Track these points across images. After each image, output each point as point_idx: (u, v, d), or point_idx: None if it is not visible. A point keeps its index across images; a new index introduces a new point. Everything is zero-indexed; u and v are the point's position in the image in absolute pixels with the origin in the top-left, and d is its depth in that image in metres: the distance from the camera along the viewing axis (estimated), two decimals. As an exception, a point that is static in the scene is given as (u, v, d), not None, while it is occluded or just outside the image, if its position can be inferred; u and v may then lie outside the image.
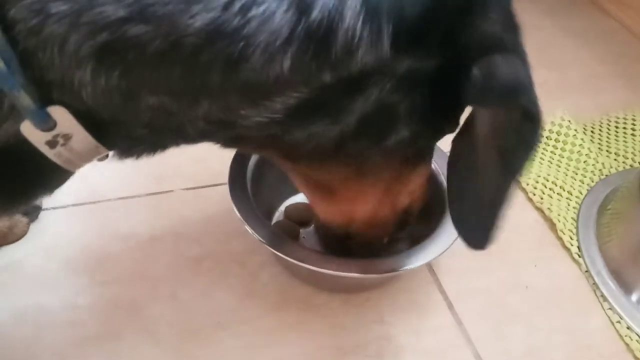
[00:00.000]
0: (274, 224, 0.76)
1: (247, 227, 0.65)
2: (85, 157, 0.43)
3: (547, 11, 1.32)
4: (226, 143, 0.47)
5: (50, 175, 0.44)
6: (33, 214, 0.73)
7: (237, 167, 0.71)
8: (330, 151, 0.46)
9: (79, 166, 0.44)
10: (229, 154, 0.73)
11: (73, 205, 0.77)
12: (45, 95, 0.36)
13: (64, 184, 0.47)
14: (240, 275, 0.72)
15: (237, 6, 0.33)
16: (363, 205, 0.57)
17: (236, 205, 0.67)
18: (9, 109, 0.36)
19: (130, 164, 0.81)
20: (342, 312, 0.70)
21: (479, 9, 0.41)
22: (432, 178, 0.75)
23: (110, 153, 0.46)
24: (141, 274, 0.70)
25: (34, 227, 0.73)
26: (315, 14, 0.34)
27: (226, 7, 0.33)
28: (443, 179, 0.75)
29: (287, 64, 0.35)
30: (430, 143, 0.55)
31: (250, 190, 0.70)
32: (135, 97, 0.37)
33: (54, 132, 0.38)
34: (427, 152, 0.56)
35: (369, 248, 0.62)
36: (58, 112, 0.37)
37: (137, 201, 0.78)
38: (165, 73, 0.35)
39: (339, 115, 0.42)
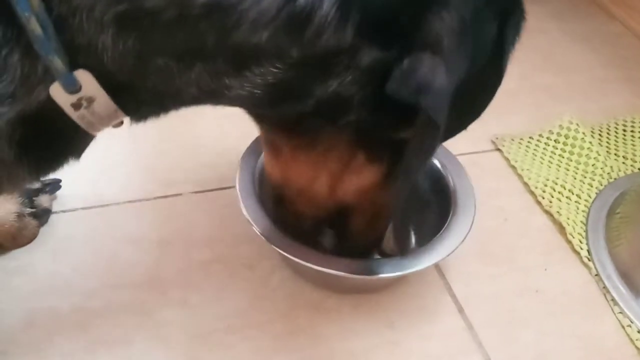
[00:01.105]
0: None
1: (255, 228, 0.65)
2: (105, 121, 0.47)
3: (552, 15, 1.32)
4: (213, 104, 0.50)
5: (75, 140, 0.49)
6: (43, 217, 0.73)
7: (246, 170, 0.72)
8: (288, 124, 0.52)
9: (98, 130, 0.48)
10: (236, 158, 0.73)
11: (83, 208, 0.77)
12: (73, 59, 0.41)
13: (85, 149, 0.51)
14: (250, 279, 0.72)
15: None
16: (301, 174, 0.59)
17: (245, 207, 0.67)
18: (43, 71, 0.40)
19: (139, 166, 0.82)
20: (352, 316, 0.70)
21: (436, 7, 0.42)
22: (439, 179, 0.76)
23: (125, 120, 0.50)
24: (151, 278, 0.70)
25: (44, 230, 0.73)
26: (301, 1, 0.39)
27: None
28: (451, 181, 0.75)
29: (265, 35, 0.40)
30: (380, 141, 0.55)
31: (258, 192, 0.70)
32: (145, 59, 0.42)
33: (79, 95, 0.42)
34: (380, 152, 0.56)
35: (297, 221, 0.65)
36: (84, 76, 0.42)
37: (146, 205, 0.78)
38: (172, 38, 0.40)
39: (300, 98, 0.46)
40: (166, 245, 0.74)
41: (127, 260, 0.72)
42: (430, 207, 0.76)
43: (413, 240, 0.76)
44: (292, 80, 0.44)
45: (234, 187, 0.80)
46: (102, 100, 0.44)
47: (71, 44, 0.40)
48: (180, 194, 0.80)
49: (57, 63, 0.40)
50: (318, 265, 0.63)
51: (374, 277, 0.65)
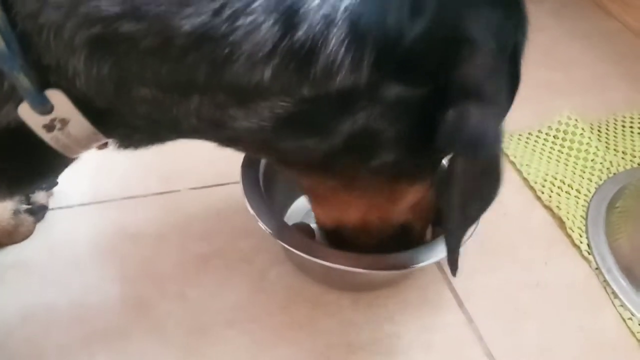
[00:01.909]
0: (292, 225, 0.75)
1: (260, 223, 0.64)
2: (83, 144, 0.43)
3: (551, 13, 1.32)
4: (221, 142, 0.48)
5: (51, 161, 0.45)
6: (39, 213, 0.73)
7: (250, 165, 0.71)
8: (318, 164, 0.48)
9: (77, 152, 0.45)
10: (236, 154, 0.73)
11: (79, 205, 0.76)
12: (43, 78, 0.37)
13: (64, 169, 0.48)
14: (248, 273, 0.71)
15: (226, 13, 0.35)
16: (350, 214, 0.58)
17: (249, 202, 0.66)
18: (9, 89, 0.38)
19: (136, 163, 0.81)
20: (351, 310, 0.69)
21: (467, 50, 0.41)
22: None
23: (110, 142, 0.46)
24: (149, 273, 0.70)
25: (40, 226, 0.73)
26: (300, 34, 0.36)
27: (216, 13, 0.35)
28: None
29: (267, 74, 0.37)
30: (420, 167, 0.54)
31: (262, 187, 0.69)
32: (127, 88, 0.38)
33: (51, 116, 0.39)
34: (421, 173, 0.56)
35: (366, 249, 0.62)
36: (56, 96, 0.38)
37: (144, 201, 0.78)
38: (154, 68, 0.37)
39: (326, 134, 0.43)
40: (164, 240, 0.73)
41: (125, 255, 0.71)
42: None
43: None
44: (307, 115, 0.41)
45: (231, 183, 0.80)
46: (78, 122, 0.40)
47: (38, 64, 0.37)
48: (179, 190, 0.80)
49: (24, 81, 0.37)
50: (324, 260, 0.62)
51: (379, 273, 0.65)
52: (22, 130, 0.40)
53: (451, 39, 0.40)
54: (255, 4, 0.35)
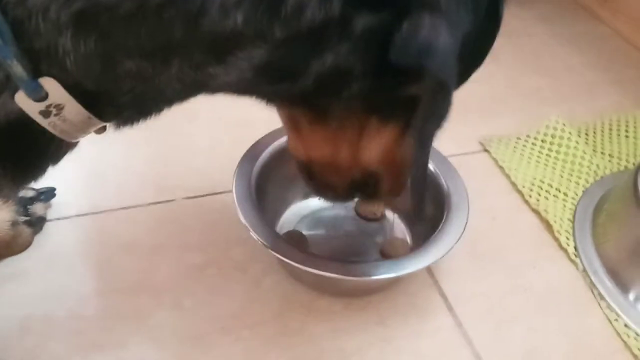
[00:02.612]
0: (284, 234, 0.77)
1: (252, 234, 0.66)
2: (81, 127, 0.45)
3: (540, 18, 1.34)
4: (204, 94, 0.49)
5: (50, 147, 0.47)
6: (37, 225, 0.75)
7: (242, 175, 0.73)
8: (294, 100, 0.50)
9: (75, 137, 0.46)
10: (229, 163, 0.75)
11: (76, 215, 0.78)
12: (35, 66, 0.39)
13: (64, 156, 0.49)
14: (242, 282, 0.73)
15: None
16: (324, 148, 0.58)
17: (242, 213, 0.68)
18: (4, 79, 0.39)
19: (131, 173, 0.83)
20: (343, 316, 0.71)
21: None
22: (433, 182, 0.77)
23: (108, 125, 0.48)
24: (145, 283, 0.71)
25: (38, 238, 0.74)
26: None
27: None
28: (443, 182, 0.76)
29: (240, 18, 0.38)
30: (390, 102, 0.53)
31: (254, 196, 0.71)
32: (113, 62, 0.40)
33: (46, 102, 0.41)
34: (392, 111, 0.54)
35: (330, 190, 0.64)
36: (49, 83, 0.40)
37: (139, 211, 0.80)
38: (135, 33, 0.38)
39: (298, 76, 0.44)
40: (159, 251, 0.75)
41: (121, 265, 0.73)
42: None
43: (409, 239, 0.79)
44: (283, 59, 0.42)
45: (225, 192, 0.82)
46: (72, 106, 0.42)
47: (31, 49, 0.38)
48: (173, 200, 0.82)
49: (18, 69, 0.38)
50: (315, 269, 0.64)
51: (370, 279, 0.67)
52: (22, 121, 0.42)
53: None
54: None
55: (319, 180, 0.63)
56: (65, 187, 0.79)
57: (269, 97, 0.51)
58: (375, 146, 0.58)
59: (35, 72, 0.39)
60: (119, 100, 0.44)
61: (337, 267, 0.65)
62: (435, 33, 0.40)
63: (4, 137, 0.43)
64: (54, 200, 0.78)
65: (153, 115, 0.49)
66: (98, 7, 0.37)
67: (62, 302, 0.69)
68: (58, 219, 0.77)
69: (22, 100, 0.40)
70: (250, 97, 0.51)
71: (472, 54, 0.50)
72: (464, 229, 0.70)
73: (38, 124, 0.42)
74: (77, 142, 0.49)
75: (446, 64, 0.41)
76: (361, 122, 0.54)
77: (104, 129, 0.49)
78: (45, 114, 0.42)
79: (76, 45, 0.38)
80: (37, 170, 0.49)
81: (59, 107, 0.42)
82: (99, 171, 0.83)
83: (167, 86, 0.43)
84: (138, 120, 0.49)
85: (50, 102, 0.41)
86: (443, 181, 0.77)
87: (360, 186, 0.64)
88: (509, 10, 1.38)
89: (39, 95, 0.40)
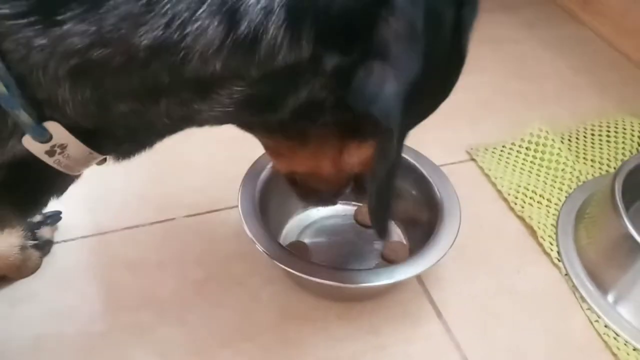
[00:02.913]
0: (288, 245, 0.82)
1: (258, 246, 0.71)
2: (82, 162, 0.50)
3: (523, 24, 1.38)
4: (191, 127, 0.53)
5: (56, 181, 0.52)
6: (45, 248, 0.79)
7: (247, 192, 0.77)
8: (274, 129, 0.55)
9: (78, 170, 0.51)
10: (226, 180, 0.79)
11: (82, 237, 0.82)
12: (40, 112, 0.43)
13: (69, 187, 0.54)
14: (241, 295, 0.77)
15: (175, 24, 0.40)
16: (303, 164, 0.63)
17: (247, 227, 0.73)
18: (12, 126, 0.44)
19: (133, 194, 0.87)
20: (338, 325, 0.75)
21: (385, 12, 0.44)
22: (428, 192, 0.81)
23: (108, 157, 0.53)
24: (149, 299, 0.75)
25: (47, 260, 0.78)
26: (242, 28, 0.41)
27: (167, 26, 0.40)
28: (436, 191, 0.81)
29: (219, 65, 0.43)
30: (363, 126, 0.56)
31: (259, 212, 0.76)
32: (107, 106, 0.44)
33: (51, 143, 0.45)
34: (370, 132, 0.57)
35: (315, 195, 0.69)
36: (52, 126, 0.44)
37: (142, 230, 0.84)
38: (126, 82, 0.43)
39: (275, 109, 0.49)
40: (162, 268, 0.79)
41: (126, 283, 0.77)
42: (420, 220, 0.83)
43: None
44: (262, 94, 0.46)
45: (224, 209, 0.86)
46: (74, 145, 0.47)
47: (34, 99, 0.42)
48: (174, 219, 0.86)
49: (24, 117, 0.42)
50: (319, 278, 0.69)
51: (371, 285, 0.72)
52: (28, 159, 0.46)
53: (373, 3, 0.44)
54: (200, 11, 0.41)
55: (303, 187, 0.68)
56: (70, 210, 0.83)
57: (249, 125, 0.56)
58: (357, 158, 0.61)
59: (40, 118, 0.44)
60: (115, 135, 0.49)
61: (339, 275, 0.70)
62: (382, 81, 0.44)
63: (14, 173, 0.48)
64: (60, 223, 0.82)
65: (147, 148, 0.54)
66: (90, 63, 0.41)
67: (72, 321, 0.73)
68: (65, 240, 0.81)
69: (29, 143, 0.45)
70: (232, 124, 0.55)
71: (439, 86, 0.54)
72: (457, 234, 0.75)
73: (44, 162, 0.47)
74: (80, 175, 0.54)
75: (390, 112, 0.45)
76: (340, 142, 0.58)
77: (104, 160, 0.54)
78: (51, 153, 0.46)
79: (73, 95, 0.43)
80: (43, 201, 0.54)
81: (63, 147, 0.46)
82: (101, 193, 0.87)
83: (158, 121, 0.48)
84: (134, 153, 0.54)
85: (54, 142, 0.45)
86: (435, 188, 0.81)
87: (345, 187, 0.69)
88: (493, 17, 1.43)
89: (44, 137, 0.44)
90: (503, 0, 1.43)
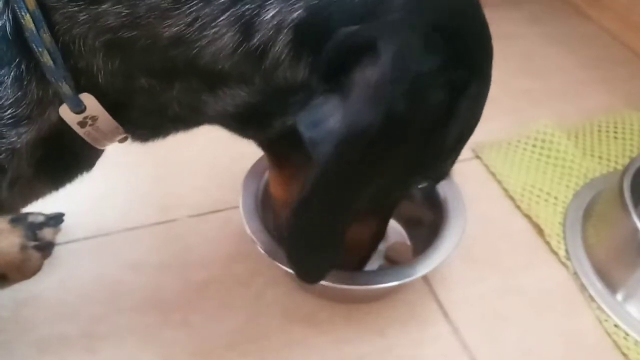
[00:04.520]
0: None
1: (259, 246, 0.70)
2: (109, 136, 0.53)
3: (528, 19, 1.37)
4: (198, 124, 0.57)
5: (86, 155, 0.56)
6: (47, 249, 0.78)
7: (248, 191, 0.76)
8: (263, 144, 0.59)
9: (104, 144, 0.55)
10: (229, 180, 0.78)
11: (84, 239, 0.81)
12: (77, 83, 0.47)
13: (96, 162, 0.58)
14: (246, 297, 0.76)
15: (196, 26, 0.45)
16: (292, 188, 0.62)
17: (249, 227, 0.72)
18: (52, 95, 0.47)
19: (135, 194, 0.86)
20: (344, 326, 0.74)
21: (367, 58, 0.44)
22: (431, 190, 0.80)
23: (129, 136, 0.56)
24: (153, 301, 0.74)
25: (48, 262, 0.77)
26: (255, 40, 0.46)
27: (189, 25, 0.45)
28: (440, 189, 0.80)
29: (227, 65, 0.47)
30: None
31: (261, 209, 0.75)
32: (131, 78, 0.49)
33: (84, 114, 0.49)
34: None
35: None
36: (87, 98, 0.48)
37: (144, 231, 0.83)
38: (148, 59, 0.48)
39: (264, 126, 0.54)
40: (165, 269, 0.78)
41: (129, 285, 0.76)
42: (423, 220, 0.82)
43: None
44: (255, 106, 0.50)
45: (226, 209, 0.85)
46: (104, 118, 0.50)
47: (75, 68, 0.47)
48: (176, 219, 0.85)
49: (65, 88, 0.46)
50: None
51: (377, 287, 0.70)
52: (61, 129, 0.50)
53: (366, 47, 0.44)
54: (220, 20, 0.45)
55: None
56: (73, 211, 0.83)
57: (247, 135, 0.58)
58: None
59: (77, 89, 0.47)
60: (132, 115, 0.53)
61: (344, 277, 0.69)
62: (328, 114, 0.45)
63: (48, 144, 0.51)
64: (62, 225, 0.82)
65: (161, 135, 0.57)
66: (121, 40, 0.46)
67: (75, 323, 0.72)
68: (67, 242, 0.80)
69: (65, 113, 0.48)
70: (229, 129, 0.58)
71: (401, 157, 0.51)
72: (463, 233, 0.74)
73: (74, 133, 0.50)
74: (104, 150, 0.57)
75: (320, 142, 0.45)
76: None
77: (125, 139, 0.57)
78: (82, 124, 0.50)
79: (106, 64, 0.47)
80: (73, 172, 0.57)
81: (94, 119, 0.50)
82: (104, 194, 0.86)
83: (169, 105, 0.52)
84: (150, 137, 0.57)
85: (87, 114, 0.49)
86: (439, 187, 0.80)
87: None
88: (497, 12, 1.42)
89: (80, 108, 0.48)
90: (508, -5, 1.42)
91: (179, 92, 0.50)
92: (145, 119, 0.54)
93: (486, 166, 0.96)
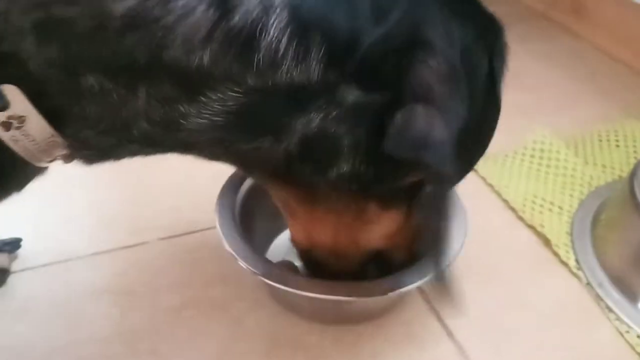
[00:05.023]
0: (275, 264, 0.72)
1: (241, 263, 0.61)
2: (44, 148, 0.42)
3: (517, 39, 1.29)
4: (178, 149, 0.47)
5: (17, 171, 0.45)
6: (1, 277, 0.70)
7: (224, 206, 0.68)
8: (279, 171, 0.47)
9: (40, 159, 0.44)
10: (205, 201, 0.70)
11: (43, 265, 0.73)
12: (1, 70, 0.38)
13: (30, 181, 0.47)
14: (224, 322, 0.67)
15: None
16: (321, 233, 0.56)
17: (228, 243, 0.63)
18: None
19: (103, 215, 0.79)
20: (334, 350, 0.65)
21: (422, 53, 0.40)
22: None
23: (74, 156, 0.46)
24: (118, 330, 0.66)
25: (4, 291, 0.69)
26: (236, 20, 0.36)
27: None
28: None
29: (206, 58, 0.38)
30: (385, 186, 0.51)
31: (240, 228, 0.66)
32: (74, 74, 0.39)
33: (8, 113, 0.39)
34: (390, 196, 0.53)
35: (338, 275, 0.60)
36: (11, 91, 0.39)
37: (109, 256, 0.75)
38: (96, 50, 0.38)
39: (280, 133, 0.42)
40: (132, 296, 0.70)
41: (91, 314, 0.68)
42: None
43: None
44: (260, 108, 0.40)
45: (201, 230, 0.78)
46: (35, 120, 0.40)
47: None
48: (146, 242, 0.77)
49: None
50: (310, 292, 0.59)
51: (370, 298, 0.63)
52: None
53: (409, 43, 0.40)
54: None
55: (325, 266, 0.60)
56: (32, 236, 0.75)
57: (252, 160, 0.47)
58: (378, 230, 0.56)
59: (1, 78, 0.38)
60: (83, 133, 0.43)
61: (336, 289, 0.60)
62: (430, 126, 0.39)
63: None
64: (19, 251, 0.74)
65: (112, 158, 0.47)
66: (56, 20, 0.37)
67: (30, 357, 0.63)
68: (23, 270, 0.72)
69: None
70: (230, 159, 0.49)
71: (476, 141, 0.51)
72: (464, 242, 0.67)
73: (2, 143, 0.41)
74: (44, 168, 0.47)
75: (443, 157, 0.40)
76: (357, 207, 0.52)
77: (71, 158, 0.46)
78: (6, 125, 0.40)
79: (38, 49, 0.38)
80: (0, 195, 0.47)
81: (21, 120, 0.40)
82: (66, 218, 0.79)
83: (134, 122, 0.41)
84: (97, 160, 0.47)
85: (12, 112, 0.39)
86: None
87: (370, 265, 0.62)
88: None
89: (1, 103, 0.39)
90: (492, 17, 1.39)
91: (147, 102, 0.40)
92: (99, 139, 0.43)
93: (483, 179, 0.90)
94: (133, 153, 0.47)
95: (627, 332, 0.67)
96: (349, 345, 0.66)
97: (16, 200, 0.67)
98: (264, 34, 0.37)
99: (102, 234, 0.77)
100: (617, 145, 0.97)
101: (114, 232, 0.78)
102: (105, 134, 0.43)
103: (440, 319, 0.69)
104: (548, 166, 0.91)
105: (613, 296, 0.71)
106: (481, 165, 0.90)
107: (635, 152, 0.96)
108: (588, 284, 0.73)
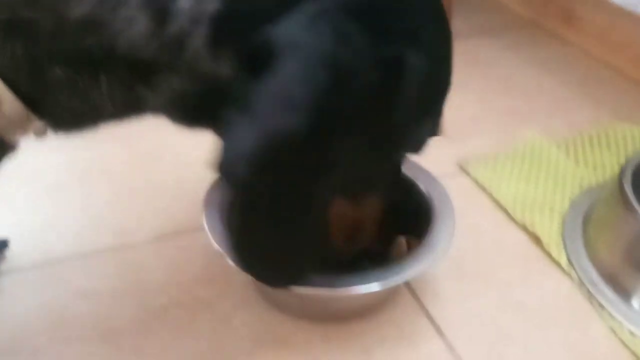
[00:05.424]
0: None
1: (229, 260, 0.60)
2: (19, 124, 0.47)
3: (506, 47, 1.33)
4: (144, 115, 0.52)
5: None
6: (-16, 279, 0.69)
7: (211, 206, 0.67)
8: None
9: (13, 134, 0.48)
10: (193, 202, 0.70)
11: (30, 267, 0.72)
12: None
13: (1, 159, 0.50)
14: (210, 321, 0.66)
15: (107, 6, 0.41)
16: None
17: (215, 241, 0.62)
18: None
19: (90, 217, 0.78)
20: (323, 348, 0.64)
21: (280, 59, 0.42)
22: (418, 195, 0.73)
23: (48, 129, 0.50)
24: (103, 329, 0.65)
25: (-12, 292, 0.68)
26: (170, 29, 0.43)
27: (99, 3, 0.41)
28: (421, 187, 0.74)
29: (148, 53, 0.44)
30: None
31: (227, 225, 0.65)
32: (41, 66, 0.43)
33: None
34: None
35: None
36: None
37: (97, 257, 0.74)
38: (57, 46, 0.43)
39: (213, 119, 0.48)
40: (118, 296, 0.69)
41: (77, 313, 0.67)
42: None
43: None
44: (197, 95, 0.46)
45: (190, 231, 0.77)
46: (8, 100, 0.44)
47: None
48: (133, 243, 0.76)
49: None
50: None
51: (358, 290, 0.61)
52: None
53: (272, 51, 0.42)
54: (132, 1, 0.41)
55: None
56: (19, 238, 0.74)
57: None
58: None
59: None
60: (58, 113, 0.48)
61: (324, 282, 0.60)
62: (234, 130, 0.44)
63: None
64: (7, 252, 0.73)
65: (88, 126, 0.50)
66: (21, 20, 0.42)
67: (15, 357, 0.62)
68: (11, 271, 0.71)
69: None
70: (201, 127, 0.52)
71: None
72: (452, 237, 0.66)
73: None
74: (15, 147, 0.50)
75: (229, 162, 0.44)
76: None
77: (44, 132, 0.49)
78: None
79: (5, 47, 0.42)
80: None
81: None
82: (54, 219, 0.78)
83: (102, 105, 0.47)
84: (76, 126, 0.50)
85: None
86: (424, 189, 0.73)
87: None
88: (478, 41, 1.38)
89: None
90: (482, 26, 1.39)
91: (109, 87, 0.45)
92: (74, 119, 0.49)
93: (474, 180, 0.89)
94: (108, 122, 0.51)
95: (620, 329, 0.66)
96: (338, 343, 0.65)
97: (3, 201, 0.67)
98: (191, 39, 0.43)
99: (89, 234, 0.77)
100: (609, 148, 0.97)
101: (101, 233, 0.77)
102: (81, 117, 0.49)
103: (430, 317, 0.68)
104: (539, 167, 0.91)
105: (605, 294, 0.70)
106: (472, 166, 0.91)
107: (627, 154, 0.95)
108: (580, 282, 0.72)
